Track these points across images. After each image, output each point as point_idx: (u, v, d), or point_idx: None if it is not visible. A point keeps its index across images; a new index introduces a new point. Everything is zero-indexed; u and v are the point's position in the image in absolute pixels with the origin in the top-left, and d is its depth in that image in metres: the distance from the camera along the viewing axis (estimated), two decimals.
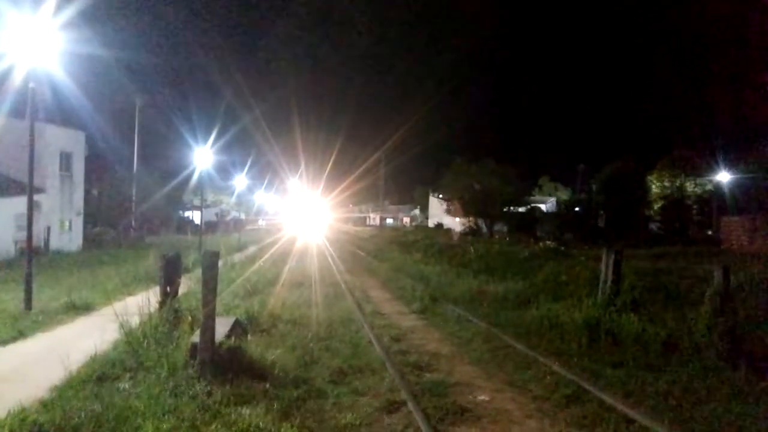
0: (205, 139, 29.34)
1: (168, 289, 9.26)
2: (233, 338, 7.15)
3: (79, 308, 11.87)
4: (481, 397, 5.99)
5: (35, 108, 12.74)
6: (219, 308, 9.43)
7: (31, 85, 11.82)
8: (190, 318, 8.51)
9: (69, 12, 12.58)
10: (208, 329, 6.25)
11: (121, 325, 7.89)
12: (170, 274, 9.24)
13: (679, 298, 10.16)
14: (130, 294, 14.04)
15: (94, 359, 7.63)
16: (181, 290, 10.60)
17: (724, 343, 6.86)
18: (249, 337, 7.97)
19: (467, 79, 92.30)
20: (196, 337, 6.79)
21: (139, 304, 10.23)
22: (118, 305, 12.13)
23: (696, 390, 6.00)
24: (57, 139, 26.45)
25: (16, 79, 13.13)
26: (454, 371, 6.95)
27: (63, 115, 27.29)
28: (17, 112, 23.60)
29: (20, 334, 9.46)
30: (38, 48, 11.42)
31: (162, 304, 9.01)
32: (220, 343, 6.72)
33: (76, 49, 14.57)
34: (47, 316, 10.91)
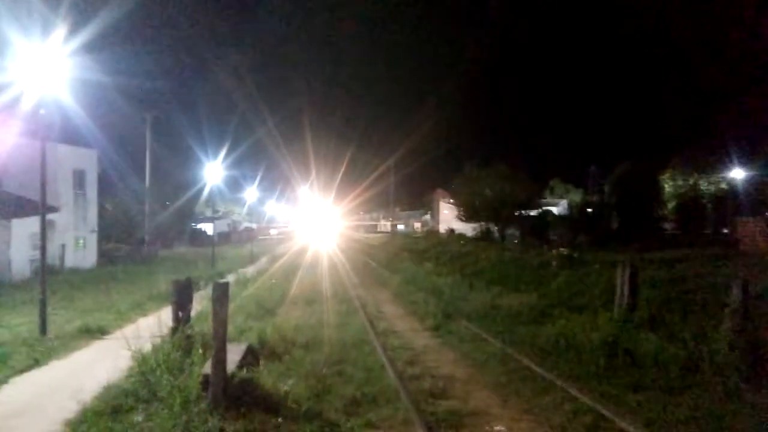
0: (217, 153, 29.60)
1: (180, 314, 9.26)
2: (245, 368, 7.10)
3: (93, 332, 11.92)
4: (498, 428, 5.88)
5: (46, 132, 12.86)
6: (231, 330, 9.42)
7: (41, 111, 11.96)
8: (202, 345, 8.51)
9: (85, 35, 12.78)
10: (220, 362, 6.21)
11: (134, 356, 7.84)
12: (182, 299, 9.24)
13: (697, 311, 9.95)
14: (143, 314, 14.13)
15: (107, 389, 7.63)
16: (194, 310, 10.62)
17: (745, 364, 6.68)
18: (261, 363, 7.92)
19: (477, 85, 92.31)
20: (208, 368, 6.75)
21: (152, 326, 10.28)
22: (131, 328, 12.26)
23: (719, 416, 5.83)
24: (70, 157, 26.74)
25: (28, 102, 13.27)
26: (470, 398, 6.83)
27: (75, 133, 27.60)
28: (30, 132, 23.91)
29: (35, 362, 9.51)
30: (50, 74, 11.56)
31: (174, 330, 9.00)
32: (232, 375, 6.68)
33: (89, 71, 14.80)
34: (62, 342, 10.96)
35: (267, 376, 7.04)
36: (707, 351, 7.20)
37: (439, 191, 63.39)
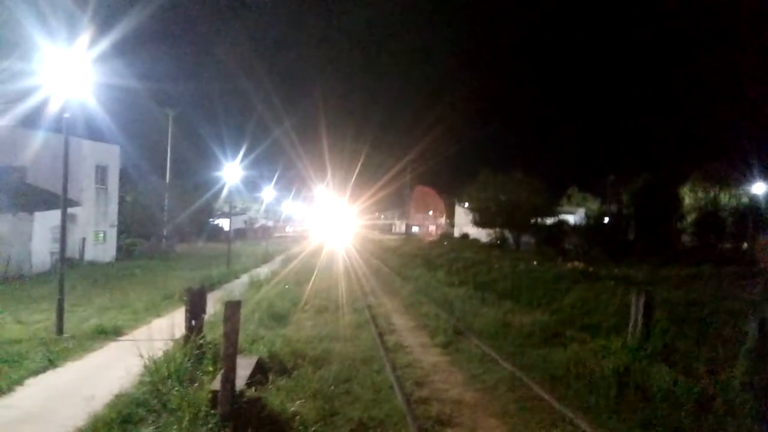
0: (236, 153, 29.99)
1: (193, 322, 9.37)
2: (254, 387, 7.16)
3: (108, 332, 12.12)
4: None
5: (70, 130, 13.06)
6: (242, 340, 9.48)
7: (66, 115, 12.18)
8: (213, 355, 8.62)
9: (110, 38, 13.01)
10: (229, 380, 6.27)
11: (146, 366, 7.96)
12: (195, 308, 9.34)
13: (713, 340, 9.79)
14: (157, 315, 14.33)
15: (119, 397, 7.76)
16: (208, 312, 10.73)
17: (760, 406, 6.55)
18: (270, 378, 7.99)
19: (495, 89, 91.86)
20: (217, 383, 6.82)
21: (166, 329, 10.42)
22: (145, 329, 12.46)
23: None
24: (93, 153, 27.22)
25: (55, 103, 13.50)
26: (477, 426, 6.81)
27: (99, 128, 28.03)
28: (55, 127, 24.36)
29: (50, 364, 9.69)
30: (76, 76, 11.76)
31: (187, 338, 9.11)
32: (241, 392, 6.75)
33: (114, 74, 15.05)
34: (77, 342, 11.16)
35: (275, 395, 7.08)
36: (721, 389, 7.08)
37: (455, 194, 63.24)
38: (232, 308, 6.37)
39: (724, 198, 49.61)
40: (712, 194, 49.86)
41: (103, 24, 13.85)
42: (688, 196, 50.14)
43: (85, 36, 11.30)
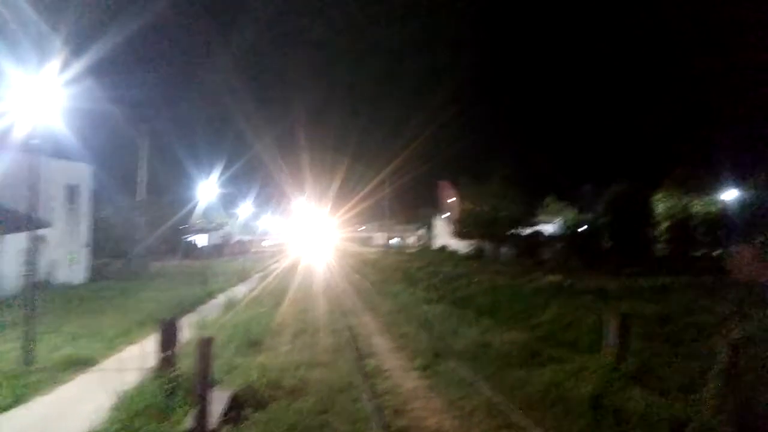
0: (214, 168, 29.79)
1: (166, 354, 9.18)
2: (228, 424, 7.02)
3: (79, 362, 11.80)
4: None
5: (38, 151, 12.79)
6: (217, 368, 9.33)
7: (34, 141, 11.92)
8: (186, 388, 8.42)
9: (85, 59, 12.81)
10: (202, 420, 6.14)
11: (117, 402, 7.76)
12: (167, 340, 9.16)
13: (687, 357, 9.96)
14: (130, 342, 14.01)
15: None
16: (182, 338, 10.50)
17: (732, 429, 6.65)
18: (246, 413, 7.83)
19: (473, 99, 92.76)
20: (190, 421, 6.68)
21: (139, 357, 10.16)
22: (118, 357, 12.21)
23: None
24: (62, 172, 26.62)
25: (24, 126, 13.19)
26: None
27: (69, 147, 27.43)
28: (25, 147, 23.77)
29: (18, 400, 9.38)
30: (46, 98, 11.56)
31: (159, 371, 8.92)
32: (214, 431, 6.61)
33: (86, 95, 14.83)
34: (47, 374, 10.83)
35: None
36: (694, 412, 7.17)
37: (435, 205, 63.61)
38: (204, 346, 6.25)
39: (696, 205, 50.56)
40: (684, 201, 50.80)
41: (77, 47, 13.67)
42: (661, 204, 51.04)
43: (56, 60, 11.12)
